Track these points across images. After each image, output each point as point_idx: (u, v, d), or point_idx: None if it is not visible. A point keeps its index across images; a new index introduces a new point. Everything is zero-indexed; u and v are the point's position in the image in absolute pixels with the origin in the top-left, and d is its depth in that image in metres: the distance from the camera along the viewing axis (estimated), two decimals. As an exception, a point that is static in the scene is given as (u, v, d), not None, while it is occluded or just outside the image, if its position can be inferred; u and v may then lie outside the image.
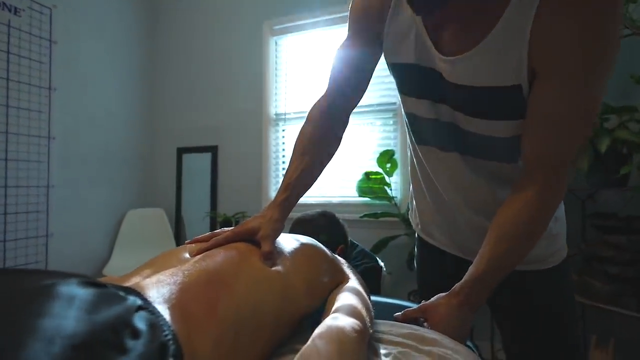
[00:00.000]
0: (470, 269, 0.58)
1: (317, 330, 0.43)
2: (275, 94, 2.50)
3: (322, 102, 0.71)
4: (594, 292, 1.41)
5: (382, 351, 0.50)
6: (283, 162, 2.49)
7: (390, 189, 2.03)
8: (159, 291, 0.41)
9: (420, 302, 0.73)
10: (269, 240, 0.56)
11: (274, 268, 0.53)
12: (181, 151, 2.73)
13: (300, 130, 0.70)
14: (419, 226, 0.82)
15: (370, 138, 2.23)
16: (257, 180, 2.46)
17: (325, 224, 0.92)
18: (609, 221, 1.48)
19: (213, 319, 0.41)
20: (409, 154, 0.80)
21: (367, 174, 2.04)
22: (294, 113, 2.43)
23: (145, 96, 2.78)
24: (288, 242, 0.63)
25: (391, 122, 2.20)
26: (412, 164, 0.78)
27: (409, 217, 0.89)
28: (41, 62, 2.06)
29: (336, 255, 0.71)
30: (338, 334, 0.41)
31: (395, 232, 1.95)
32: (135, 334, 0.30)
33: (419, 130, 0.70)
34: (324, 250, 0.66)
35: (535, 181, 0.55)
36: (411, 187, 0.83)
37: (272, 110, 2.49)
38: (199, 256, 0.51)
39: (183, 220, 2.68)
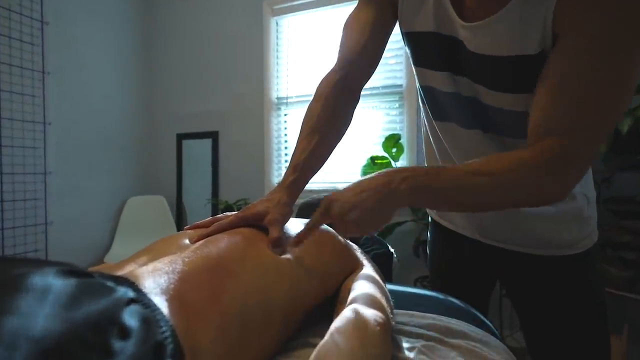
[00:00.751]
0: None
1: (335, 324, 0.38)
2: (277, 77, 2.42)
3: (332, 76, 0.64)
4: (609, 278, 1.37)
5: (405, 344, 0.46)
6: (286, 148, 2.43)
7: (396, 174, 1.97)
8: (155, 281, 0.36)
9: (431, 290, 0.68)
10: (277, 226, 0.51)
11: (283, 256, 0.48)
12: (181, 137, 2.66)
13: (309, 107, 0.64)
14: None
15: (375, 122, 2.17)
16: (259, 167, 2.41)
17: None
18: (625, 206, 1.43)
19: (217, 308, 0.36)
20: (423, 130, 0.74)
21: (373, 159, 1.98)
22: (296, 97, 2.35)
23: (143, 80, 2.70)
24: (297, 227, 0.58)
25: (397, 105, 2.13)
26: (427, 141, 0.72)
27: (423, 200, 0.84)
28: (33, 44, 1.98)
29: (348, 241, 0.66)
30: (359, 328, 0.36)
31: (400, 217, 1.91)
32: (125, 332, 0.25)
33: (437, 105, 0.64)
34: (335, 236, 0.61)
35: (536, 148, 0.46)
36: (425, 166, 0.78)
37: (274, 94, 2.41)
38: (200, 242, 0.46)
39: (184, 208, 2.63)
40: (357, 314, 0.39)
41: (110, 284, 0.30)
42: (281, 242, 0.49)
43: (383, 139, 1.97)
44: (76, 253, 2.22)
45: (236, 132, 2.49)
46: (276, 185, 0.59)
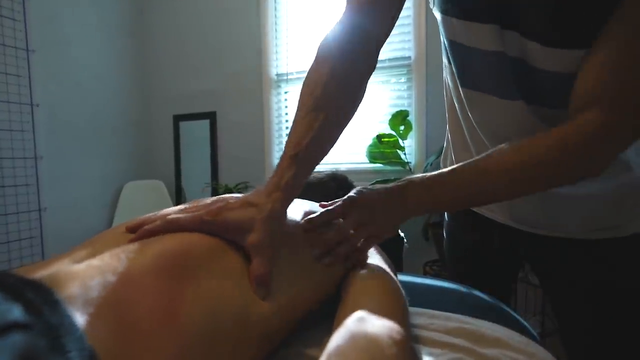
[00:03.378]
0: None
1: (335, 340, 0.28)
2: (276, 52, 2.27)
3: (342, 28, 0.50)
4: None
5: (427, 358, 0.35)
6: (287, 128, 2.31)
7: (404, 153, 1.86)
8: (83, 285, 0.26)
9: (446, 279, 0.58)
10: (266, 254, 0.35)
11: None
12: (178, 118, 2.55)
13: (310, 72, 0.48)
14: (457, 188, 0.66)
15: (381, 98, 2.03)
16: (259, 148, 2.30)
17: (337, 188, 0.76)
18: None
19: (173, 325, 0.26)
20: (446, 98, 0.62)
21: (379, 137, 1.86)
22: (297, 73, 2.21)
23: (136, 58, 2.56)
24: (297, 210, 0.47)
25: (405, 79, 1.99)
26: (451, 110, 0.60)
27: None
28: (15, 19, 1.85)
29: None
30: (368, 350, 0.26)
31: (409, 199, 1.80)
32: None
33: (470, 68, 0.51)
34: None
35: (589, 118, 0.40)
36: (447, 140, 0.66)
37: (273, 71, 2.28)
38: (157, 237, 0.35)
39: (184, 192, 2.55)
40: (365, 327, 0.28)
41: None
42: (268, 280, 0.34)
43: (390, 116, 1.85)
44: (73, 240, 2.15)
45: (235, 112, 2.38)
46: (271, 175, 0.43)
